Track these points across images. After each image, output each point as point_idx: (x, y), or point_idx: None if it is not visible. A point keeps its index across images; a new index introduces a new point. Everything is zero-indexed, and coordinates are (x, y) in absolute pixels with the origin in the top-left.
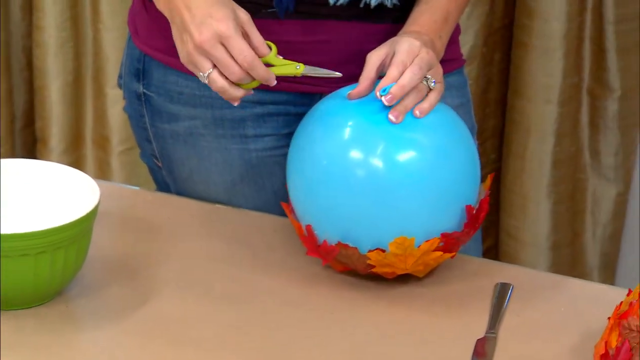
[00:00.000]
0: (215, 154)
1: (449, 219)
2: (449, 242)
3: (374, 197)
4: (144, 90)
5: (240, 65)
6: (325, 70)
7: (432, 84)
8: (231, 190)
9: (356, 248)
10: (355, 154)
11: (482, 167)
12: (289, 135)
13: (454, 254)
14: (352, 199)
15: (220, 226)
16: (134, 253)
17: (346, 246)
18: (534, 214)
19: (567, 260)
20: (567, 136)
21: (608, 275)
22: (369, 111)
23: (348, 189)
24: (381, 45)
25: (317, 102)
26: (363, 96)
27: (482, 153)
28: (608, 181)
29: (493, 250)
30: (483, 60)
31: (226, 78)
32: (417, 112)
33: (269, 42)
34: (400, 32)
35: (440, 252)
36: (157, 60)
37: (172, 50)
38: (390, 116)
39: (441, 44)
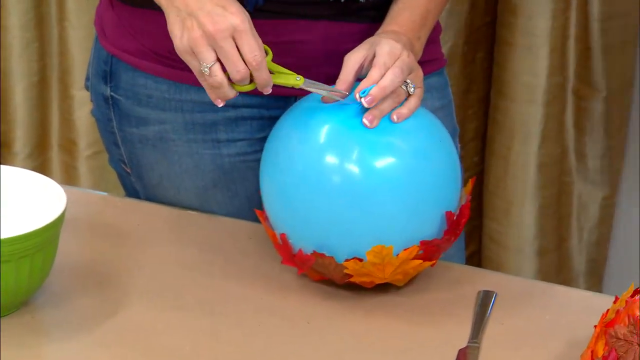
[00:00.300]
0: (186, 159)
1: (429, 226)
2: (428, 250)
3: (351, 203)
4: (112, 93)
5: (247, 64)
6: (327, 86)
7: (412, 89)
8: (203, 196)
9: (332, 257)
10: (332, 159)
11: (464, 170)
12: (263, 140)
13: (434, 262)
14: (328, 206)
15: (192, 232)
16: (103, 261)
17: (322, 255)
18: (518, 219)
19: (553, 266)
20: (552, 138)
21: (595, 282)
22: (346, 115)
23: (324, 195)
24: (359, 47)
25: (292, 104)
26: (340, 99)
27: (464, 156)
28: (594, 185)
29: (476, 256)
30: (464, 60)
31: (225, 74)
32: (394, 117)
33: (266, 46)
34: (378, 31)
35: (420, 261)
36: (125, 62)
37: (141, 52)
38: (365, 120)
39: (420, 45)
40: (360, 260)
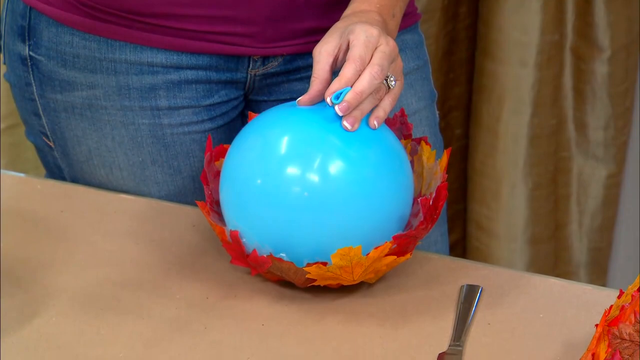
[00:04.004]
0: (120, 131)
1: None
2: (402, 244)
3: (311, 211)
4: (31, 53)
5: None
6: None
7: (393, 84)
8: (139, 175)
9: (292, 263)
10: (293, 170)
11: (446, 145)
12: (210, 108)
13: (408, 255)
14: (288, 212)
15: (126, 220)
16: (20, 255)
17: (280, 260)
18: (509, 201)
19: (549, 256)
20: (547, 106)
21: (598, 274)
22: (320, 118)
23: (284, 206)
24: (328, 36)
25: (245, 66)
26: (317, 102)
27: (444, 127)
28: (597, 160)
29: (459, 246)
30: (445, 15)
31: None
32: (374, 123)
33: None
34: (346, 13)
35: (394, 257)
36: (47, 15)
37: (64, 2)
38: (345, 123)
39: (394, 24)
40: (325, 264)
